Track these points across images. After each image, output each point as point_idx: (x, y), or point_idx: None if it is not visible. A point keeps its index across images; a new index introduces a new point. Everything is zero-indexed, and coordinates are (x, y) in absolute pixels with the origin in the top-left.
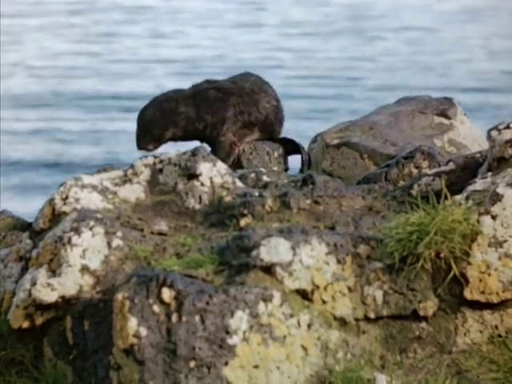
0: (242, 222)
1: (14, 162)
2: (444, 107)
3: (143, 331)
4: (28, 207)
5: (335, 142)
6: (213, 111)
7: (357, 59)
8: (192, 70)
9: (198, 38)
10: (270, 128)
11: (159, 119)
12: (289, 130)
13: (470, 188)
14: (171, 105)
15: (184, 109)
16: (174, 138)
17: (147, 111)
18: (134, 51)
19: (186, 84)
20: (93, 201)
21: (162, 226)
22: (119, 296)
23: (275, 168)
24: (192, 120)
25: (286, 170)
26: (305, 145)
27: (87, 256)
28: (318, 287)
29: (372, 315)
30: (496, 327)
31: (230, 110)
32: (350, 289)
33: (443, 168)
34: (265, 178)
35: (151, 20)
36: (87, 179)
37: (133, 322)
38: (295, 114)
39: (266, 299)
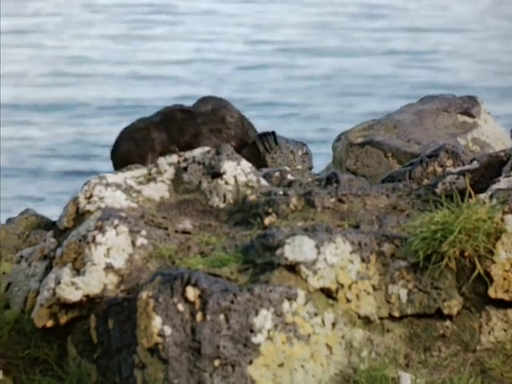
0: (267, 221)
1: None
2: (468, 106)
3: (168, 330)
4: None
5: (359, 140)
6: (183, 132)
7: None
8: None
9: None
10: (240, 141)
11: (135, 150)
12: (312, 129)
13: (494, 186)
14: (143, 133)
15: (156, 134)
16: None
17: (120, 146)
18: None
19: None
20: (117, 199)
21: (187, 224)
22: (143, 295)
23: (299, 167)
24: (166, 144)
25: (310, 168)
26: (328, 145)
27: (111, 255)
28: (342, 286)
29: (396, 314)
30: None
31: (201, 128)
32: (374, 287)
33: (467, 166)
34: (289, 177)
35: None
36: (111, 178)
37: (157, 321)
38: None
39: (291, 298)
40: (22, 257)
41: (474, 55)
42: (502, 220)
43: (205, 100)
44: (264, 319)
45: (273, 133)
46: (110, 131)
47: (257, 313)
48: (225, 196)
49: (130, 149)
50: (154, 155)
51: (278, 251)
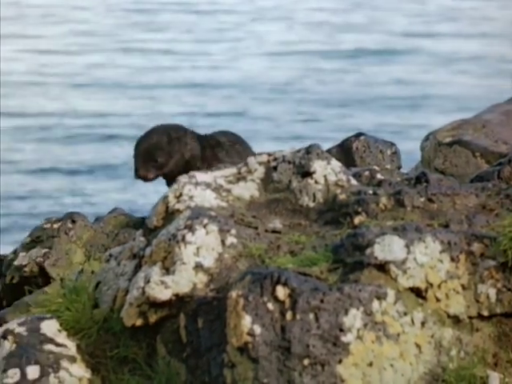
0: (356, 220)
1: None
2: None
3: (257, 329)
4: None
5: (447, 140)
6: (213, 155)
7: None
8: None
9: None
10: None
11: (166, 146)
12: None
13: None
14: (180, 134)
15: (190, 141)
16: (172, 172)
17: (153, 137)
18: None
19: None
20: (207, 198)
21: (276, 223)
22: (233, 294)
23: (388, 166)
24: (196, 156)
25: (399, 168)
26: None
27: (201, 254)
28: (431, 285)
29: (485, 313)
30: None
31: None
32: (463, 287)
33: None
34: (379, 176)
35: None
36: (201, 177)
37: (247, 320)
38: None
39: (380, 297)
40: (111, 256)
41: None
42: None
43: (220, 133)
44: (353, 318)
45: (361, 134)
46: None
47: (346, 312)
48: (315, 195)
49: (160, 144)
50: (179, 160)
51: (368, 250)
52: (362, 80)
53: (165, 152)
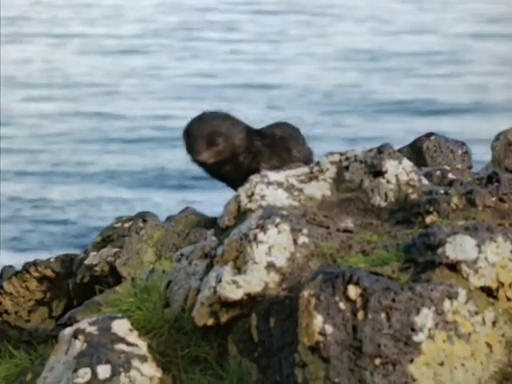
0: (428, 220)
1: None
2: None
3: (329, 328)
4: None
5: None
6: (252, 143)
7: None
8: None
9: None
10: None
11: (226, 132)
12: None
13: None
14: (231, 121)
15: (240, 131)
16: (223, 160)
17: (213, 121)
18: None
19: None
20: (278, 198)
21: (348, 223)
22: (305, 293)
23: (459, 165)
24: (241, 147)
25: (470, 167)
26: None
27: (273, 253)
28: (502, 284)
29: None
30: None
31: (264, 148)
32: None
33: None
34: (450, 176)
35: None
36: (273, 176)
37: (318, 320)
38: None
39: (452, 296)
40: (182, 255)
41: None
42: None
43: (278, 125)
44: (425, 318)
45: (432, 133)
46: None
47: (418, 311)
48: (386, 195)
49: (222, 127)
50: (237, 145)
51: (440, 250)
52: (425, 81)
53: (225, 137)
